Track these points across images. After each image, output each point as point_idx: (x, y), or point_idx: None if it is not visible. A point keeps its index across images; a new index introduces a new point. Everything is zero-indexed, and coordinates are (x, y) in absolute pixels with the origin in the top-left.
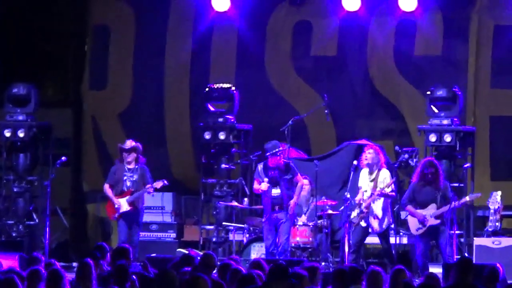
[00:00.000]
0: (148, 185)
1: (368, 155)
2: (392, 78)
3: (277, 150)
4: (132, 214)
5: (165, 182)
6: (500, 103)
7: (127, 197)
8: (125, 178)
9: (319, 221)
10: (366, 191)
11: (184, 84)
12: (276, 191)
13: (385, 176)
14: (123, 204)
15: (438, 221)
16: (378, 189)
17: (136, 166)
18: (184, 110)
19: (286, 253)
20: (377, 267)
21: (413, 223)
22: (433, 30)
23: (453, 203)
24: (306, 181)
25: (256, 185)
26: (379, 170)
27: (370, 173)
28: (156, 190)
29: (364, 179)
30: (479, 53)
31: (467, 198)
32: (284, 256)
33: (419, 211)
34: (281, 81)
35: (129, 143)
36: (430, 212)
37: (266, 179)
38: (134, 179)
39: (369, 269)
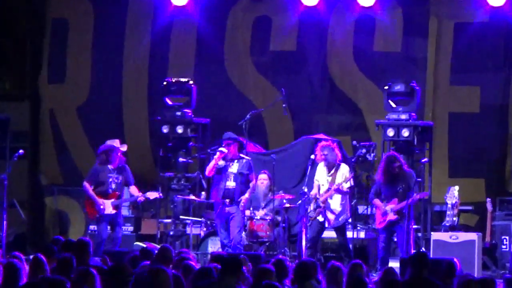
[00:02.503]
0: (140, 193)
1: (323, 155)
2: (351, 73)
3: (229, 138)
4: (115, 216)
5: (161, 195)
6: (459, 99)
7: (113, 200)
8: (110, 180)
9: (276, 214)
10: (323, 185)
11: (142, 78)
12: (230, 184)
13: (343, 171)
14: (108, 206)
15: (396, 216)
16: (335, 184)
17: (118, 166)
18: (142, 104)
19: (240, 247)
20: (337, 263)
21: (378, 216)
22: (392, 26)
23: (410, 199)
24: (265, 176)
25: (211, 163)
26: (338, 166)
27: (329, 169)
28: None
29: (322, 174)
30: (438, 50)
31: (417, 197)
32: (238, 250)
33: (382, 204)
34: (240, 75)
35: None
36: (391, 206)
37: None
38: (119, 181)
39: (329, 265)
